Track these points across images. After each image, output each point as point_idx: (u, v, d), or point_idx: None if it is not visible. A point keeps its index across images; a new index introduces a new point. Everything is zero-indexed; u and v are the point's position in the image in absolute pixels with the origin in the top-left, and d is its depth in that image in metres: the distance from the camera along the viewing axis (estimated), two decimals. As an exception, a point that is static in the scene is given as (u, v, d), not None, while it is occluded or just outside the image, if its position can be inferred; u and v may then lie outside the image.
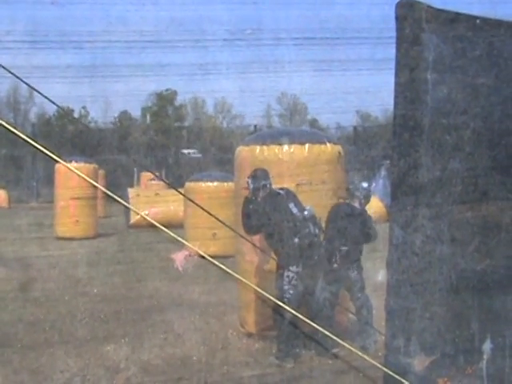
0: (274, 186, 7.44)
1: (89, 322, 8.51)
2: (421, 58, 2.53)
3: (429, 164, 2.53)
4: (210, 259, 2.64)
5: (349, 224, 7.34)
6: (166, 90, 44.96)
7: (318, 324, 7.29)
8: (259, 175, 7.44)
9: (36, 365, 6.82)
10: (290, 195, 7.34)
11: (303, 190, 7.76)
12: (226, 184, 15.08)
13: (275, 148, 8.20)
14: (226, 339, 7.89)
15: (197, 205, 7.75)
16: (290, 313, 6.72)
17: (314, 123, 47.89)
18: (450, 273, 2.51)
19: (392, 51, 2.55)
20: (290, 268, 6.99)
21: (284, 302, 6.97)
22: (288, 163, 8.11)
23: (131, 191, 22.85)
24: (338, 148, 8.47)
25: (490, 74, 2.62)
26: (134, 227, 20.12)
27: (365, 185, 7.55)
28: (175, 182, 27.74)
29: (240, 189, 8.30)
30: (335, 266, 7.24)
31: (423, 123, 2.53)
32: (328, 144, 8.36)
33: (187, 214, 15.20)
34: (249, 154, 8.36)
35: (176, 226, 19.48)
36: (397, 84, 2.58)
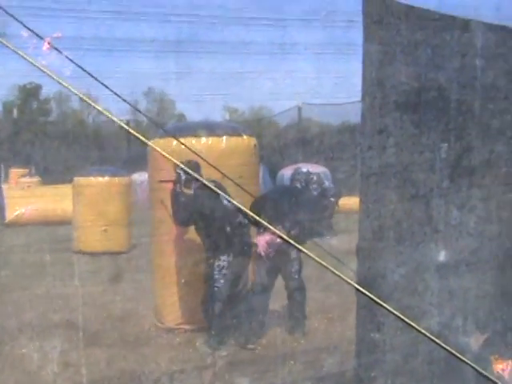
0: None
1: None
2: (471, 45, 2.62)
3: (479, 147, 2.63)
4: (293, 242, 2.55)
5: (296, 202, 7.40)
6: (30, 83, 43.44)
7: (250, 312, 7.38)
8: (192, 167, 7.35)
9: None
10: (220, 187, 7.33)
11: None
12: (117, 179, 14.74)
13: (192, 140, 8.10)
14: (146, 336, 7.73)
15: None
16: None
17: (181, 118, 47.49)
18: (498, 252, 2.61)
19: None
20: (221, 257, 6.97)
21: (214, 292, 6.97)
22: (206, 155, 8.02)
23: (6, 188, 21.89)
24: (253, 140, 8.49)
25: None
26: (11, 225, 19.26)
27: (304, 169, 7.62)
28: (48, 179, 26.82)
29: (156, 181, 8.14)
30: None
31: (474, 108, 2.62)
32: (244, 136, 8.37)
33: (76, 210, 14.67)
34: (165, 147, 8.21)
35: (54, 223, 18.95)
36: (451, 69, 2.65)
